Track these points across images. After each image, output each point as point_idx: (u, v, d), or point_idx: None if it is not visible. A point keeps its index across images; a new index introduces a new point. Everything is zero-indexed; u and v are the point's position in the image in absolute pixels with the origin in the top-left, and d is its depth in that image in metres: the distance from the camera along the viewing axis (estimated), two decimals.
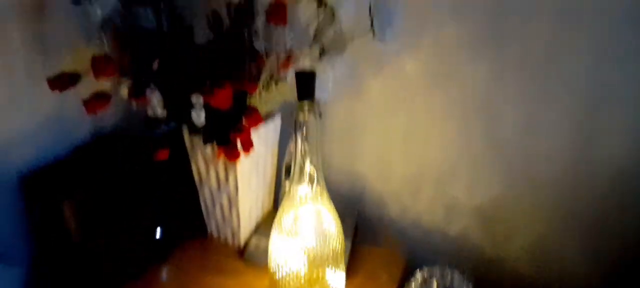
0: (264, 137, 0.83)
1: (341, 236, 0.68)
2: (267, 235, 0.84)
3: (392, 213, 0.97)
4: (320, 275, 0.70)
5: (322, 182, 0.66)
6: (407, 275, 0.81)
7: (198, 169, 0.84)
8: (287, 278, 0.70)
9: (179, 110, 0.64)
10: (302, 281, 0.69)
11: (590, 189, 0.81)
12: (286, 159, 0.84)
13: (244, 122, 0.64)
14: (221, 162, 0.79)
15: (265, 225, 0.90)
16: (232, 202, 0.83)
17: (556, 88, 0.77)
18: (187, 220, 0.89)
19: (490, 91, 0.81)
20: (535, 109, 0.80)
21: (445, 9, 0.78)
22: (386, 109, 0.89)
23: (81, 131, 0.82)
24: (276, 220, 0.69)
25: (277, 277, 0.70)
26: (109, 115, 0.86)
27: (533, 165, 0.84)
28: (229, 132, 0.64)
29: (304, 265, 0.69)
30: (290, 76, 0.70)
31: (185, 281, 0.81)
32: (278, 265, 0.70)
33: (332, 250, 0.67)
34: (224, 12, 0.66)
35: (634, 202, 0.79)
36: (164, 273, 0.83)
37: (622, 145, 0.77)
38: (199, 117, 0.61)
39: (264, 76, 0.68)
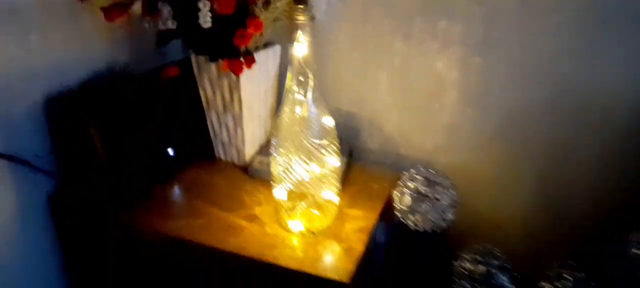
0: (265, 63, 0.91)
1: (334, 131, 0.75)
2: (270, 154, 0.92)
3: (385, 138, 1.04)
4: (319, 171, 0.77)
5: (318, 91, 0.74)
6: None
7: (205, 93, 0.92)
8: (287, 177, 0.78)
9: (187, 19, 0.72)
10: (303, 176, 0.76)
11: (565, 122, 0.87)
12: (287, 82, 0.92)
13: (247, 26, 0.71)
14: (226, 83, 0.87)
15: (267, 146, 0.98)
16: (237, 122, 0.91)
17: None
18: (196, 144, 0.98)
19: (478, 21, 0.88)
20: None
21: None
22: (374, 37, 0.96)
23: (98, 63, 0.90)
24: (276, 121, 0.77)
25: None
26: (120, 50, 0.95)
27: (515, 95, 0.90)
28: (233, 38, 0.72)
29: (303, 161, 0.76)
30: None
31: (196, 191, 0.89)
32: (278, 167, 0.78)
33: (329, 144, 0.75)
34: None
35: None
36: (176, 186, 0.91)
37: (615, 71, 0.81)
38: (205, 20, 0.69)
39: None
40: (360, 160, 1.04)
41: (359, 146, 1.05)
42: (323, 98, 0.76)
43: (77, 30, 0.85)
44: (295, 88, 0.74)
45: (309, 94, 0.73)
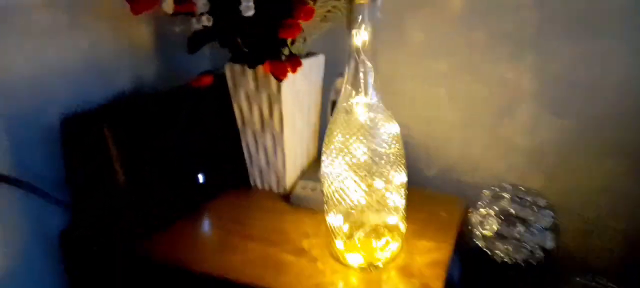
0: (308, 72, 0.79)
1: (400, 138, 0.62)
2: (315, 178, 0.79)
3: (444, 162, 0.90)
4: (381, 188, 0.63)
5: (378, 84, 0.61)
6: (466, 215, 0.74)
7: (240, 110, 0.80)
8: (342, 197, 0.64)
9: (224, 13, 0.61)
10: (362, 195, 0.62)
11: None
12: (332, 96, 0.80)
13: (296, 14, 0.60)
14: (265, 96, 0.75)
15: (311, 171, 0.84)
16: (277, 141, 0.79)
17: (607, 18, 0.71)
18: (229, 170, 0.85)
19: (540, 24, 0.76)
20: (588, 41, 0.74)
21: None
22: (428, 52, 0.84)
23: (121, 81, 0.81)
24: (327, 135, 0.64)
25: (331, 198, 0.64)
26: (148, 65, 0.85)
27: (594, 100, 0.77)
28: (279, 30, 0.60)
29: (360, 178, 0.62)
30: None
31: (229, 222, 0.75)
32: (331, 187, 0.64)
33: (393, 156, 0.61)
34: None
35: None
36: (206, 217, 0.77)
37: None
38: (247, 6, 0.58)
39: None
40: (417, 188, 0.89)
41: (412, 171, 0.91)
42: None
43: (100, 44, 0.76)
44: (351, 89, 0.61)
45: (371, 93, 0.60)
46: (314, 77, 0.82)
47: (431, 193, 0.85)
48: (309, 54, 0.80)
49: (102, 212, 0.71)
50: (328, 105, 0.81)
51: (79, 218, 0.73)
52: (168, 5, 0.64)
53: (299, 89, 0.78)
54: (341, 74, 0.63)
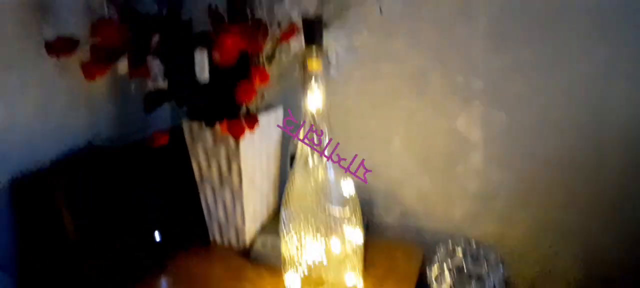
0: (267, 127, 0.80)
1: (356, 198, 0.63)
2: (274, 233, 0.79)
3: (403, 208, 0.92)
4: (339, 249, 0.64)
5: (333, 145, 0.63)
6: (425, 262, 0.76)
7: (199, 165, 0.79)
8: (300, 258, 0.64)
9: (181, 75, 0.62)
10: (320, 256, 0.63)
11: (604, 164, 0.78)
12: (291, 149, 0.81)
13: (252, 78, 0.61)
14: (223, 152, 0.75)
15: (271, 225, 0.84)
16: (236, 196, 0.78)
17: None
18: (187, 226, 0.83)
19: (498, 74, 0.80)
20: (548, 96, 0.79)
21: None
22: (387, 96, 0.87)
23: (76, 137, 0.79)
24: (286, 193, 0.64)
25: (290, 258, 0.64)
26: (103, 122, 0.84)
27: (545, 144, 0.81)
28: (234, 96, 0.61)
29: (318, 239, 0.63)
30: (294, 47, 0.69)
31: (190, 283, 0.73)
32: (289, 247, 0.64)
33: (349, 212, 0.62)
34: None
35: None
36: (165, 278, 0.75)
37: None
38: (203, 72, 0.58)
39: (267, 46, 0.67)
40: (377, 236, 0.90)
41: (374, 220, 0.92)
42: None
43: (52, 100, 0.74)
44: (307, 149, 0.62)
45: (326, 154, 0.62)
46: (272, 131, 0.83)
47: (390, 243, 0.86)
48: (267, 107, 0.81)
49: (55, 280, 0.68)
50: (287, 158, 0.82)
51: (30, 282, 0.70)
52: (123, 69, 0.64)
53: (258, 143, 0.78)
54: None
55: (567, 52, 0.76)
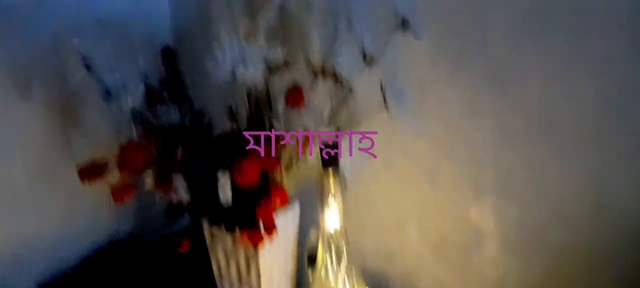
0: (284, 226, 0.82)
1: None
2: None
3: None
4: None
5: (350, 257, 0.64)
6: None
7: (218, 264, 0.81)
8: None
9: (203, 192, 0.65)
10: None
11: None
12: (308, 247, 0.82)
13: (272, 198, 0.63)
14: (242, 253, 0.77)
15: None
16: None
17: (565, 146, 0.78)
18: None
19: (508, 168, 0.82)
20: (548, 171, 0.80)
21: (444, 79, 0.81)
22: (400, 184, 0.89)
23: (99, 235, 0.82)
24: None
25: None
26: (125, 218, 0.87)
27: (559, 233, 0.82)
28: (254, 212, 0.64)
29: None
30: (310, 160, 0.72)
31: None
32: None
33: None
34: (244, 102, 0.70)
35: None
36: None
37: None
38: (225, 194, 0.61)
39: (285, 157, 0.70)
40: None
41: None
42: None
43: (77, 205, 0.77)
44: (328, 263, 0.64)
45: (343, 271, 0.63)
46: (289, 229, 0.84)
47: None
48: None
49: None
50: (304, 257, 0.84)
51: None
52: (149, 185, 0.67)
53: (276, 243, 0.80)
54: (316, 221, 0.66)
55: (575, 150, 0.77)
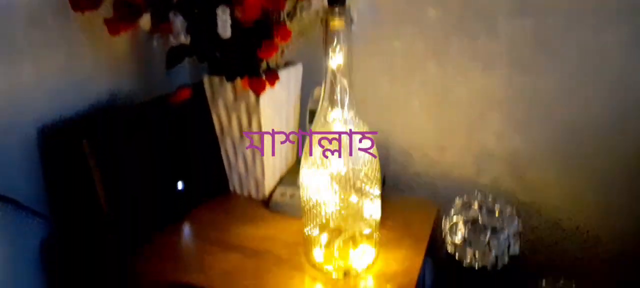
0: (286, 82, 0.81)
1: (376, 154, 0.65)
2: (293, 184, 0.81)
3: (419, 167, 0.93)
4: (357, 201, 0.66)
5: (354, 101, 0.63)
6: (439, 220, 0.78)
7: (219, 119, 0.81)
8: (320, 209, 0.66)
9: (202, 31, 0.62)
10: (338, 207, 0.65)
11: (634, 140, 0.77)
12: (310, 105, 0.82)
13: (274, 35, 0.61)
14: (243, 106, 0.77)
15: (289, 177, 0.87)
16: (256, 149, 0.80)
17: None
18: (208, 178, 0.86)
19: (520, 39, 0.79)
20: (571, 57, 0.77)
21: None
22: (408, 61, 0.87)
23: (100, 92, 0.81)
24: (305, 148, 0.66)
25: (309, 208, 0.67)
26: (125, 77, 0.85)
27: (570, 110, 0.81)
28: (256, 56, 0.62)
29: (337, 192, 0.65)
30: (314, 4, 0.69)
31: (211, 231, 0.77)
32: (309, 198, 0.66)
33: (368, 170, 0.64)
34: None
35: None
36: (187, 224, 0.79)
37: None
38: (225, 29, 0.59)
39: (288, 3, 0.66)
40: (393, 191, 0.93)
41: (389, 175, 0.95)
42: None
43: (76, 56, 0.76)
44: (328, 105, 0.63)
45: (346, 111, 0.63)
46: (292, 87, 0.84)
47: (406, 198, 0.88)
48: (286, 64, 0.81)
49: (83, 225, 0.72)
50: (307, 114, 0.83)
51: (59, 231, 0.74)
52: (145, 24, 0.64)
53: (277, 98, 0.80)
54: (319, 84, 0.65)
55: (594, 22, 0.74)
